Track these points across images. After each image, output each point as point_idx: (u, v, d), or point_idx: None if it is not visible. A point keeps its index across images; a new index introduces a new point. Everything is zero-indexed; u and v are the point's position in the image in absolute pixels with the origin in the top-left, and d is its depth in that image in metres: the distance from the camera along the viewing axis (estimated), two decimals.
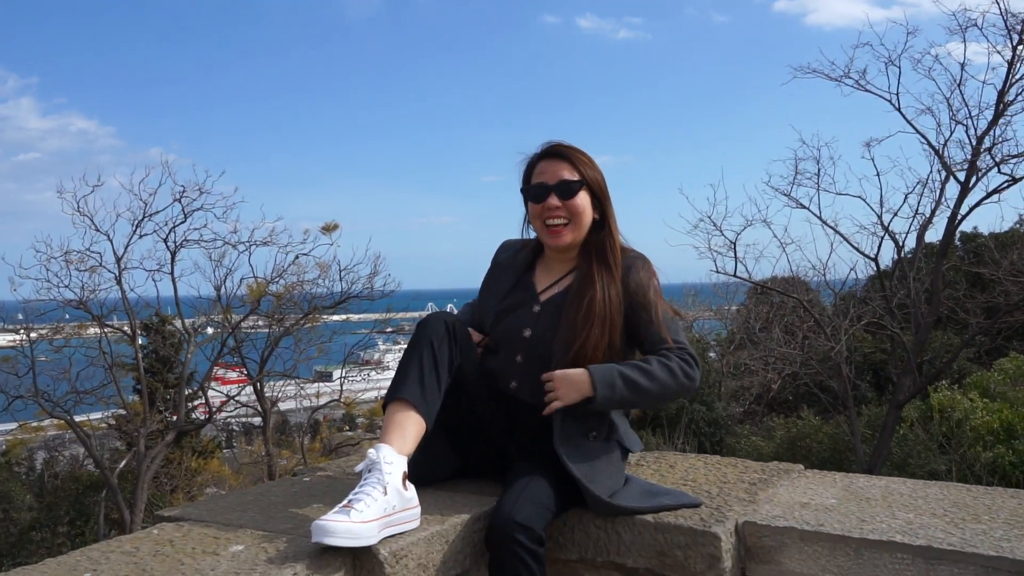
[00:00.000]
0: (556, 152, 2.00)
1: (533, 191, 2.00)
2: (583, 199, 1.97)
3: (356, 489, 1.59)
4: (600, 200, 2.00)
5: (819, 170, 10.93)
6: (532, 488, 1.76)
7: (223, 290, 12.64)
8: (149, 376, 15.42)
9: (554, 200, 1.96)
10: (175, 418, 13.66)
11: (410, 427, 1.70)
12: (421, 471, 1.85)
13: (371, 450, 1.67)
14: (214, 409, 13.63)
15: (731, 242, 11.33)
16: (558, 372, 1.82)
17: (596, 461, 1.86)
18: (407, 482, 1.66)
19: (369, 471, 1.62)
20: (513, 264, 2.09)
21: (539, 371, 1.88)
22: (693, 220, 11.38)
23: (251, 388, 13.60)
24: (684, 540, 1.70)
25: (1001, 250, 13.28)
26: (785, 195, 11.13)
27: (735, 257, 11.49)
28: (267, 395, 14.11)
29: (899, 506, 1.79)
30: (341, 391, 15.26)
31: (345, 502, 1.55)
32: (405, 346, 1.83)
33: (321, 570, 1.47)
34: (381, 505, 1.56)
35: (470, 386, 1.88)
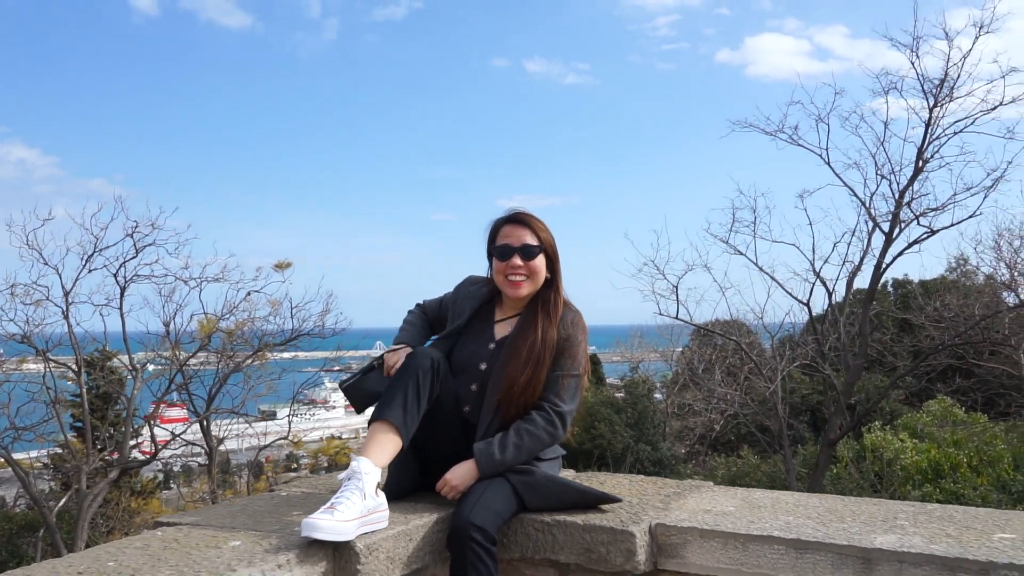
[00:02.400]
0: (519, 219, 2.40)
1: (499, 251, 2.38)
2: (540, 261, 2.37)
3: (338, 493, 1.92)
4: (552, 262, 2.40)
5: (755, 219, 11.60)
6: (487, 496, 2.11)
7: (172, 326, 12.61)
8: (90, 413, 15.18)
9: (517, 260, 2.34)
10: (115, 456, 13.45)
11: (388, 444, 2.06)
12: (392, 484, 2.24)
13: (353, 461, 2.01)
14: (159, 447, 13.48)
15: (673, 286, 11.89)
16: (449, 475, 2.21)
17: (537, 463, 2.27)
18: (379, 489, 2.00)
19: (350, 478, 1.96)
20: (478, 295, 2.47)
21: (487, 399, 2.27)
22: (638, 264, 11.95)
23: (197, 426, 13.53)
24: (606, 538, 2.06)
25: (927, 296, 14.10)
26: (723, 242, 11.77)
27: (677, 300, 12.05)
28: (213, 433, 14.00)
29: (783, 511, 2.18)
30: (289, 429, 15.20)
31: (329, 504, 1.89)
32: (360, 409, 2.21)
33: (309, 559, 1.80)
34: (359, 507, 1.90)
35: (442, 413, 2.23)
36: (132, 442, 15.17)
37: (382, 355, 2.36)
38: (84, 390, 12.98)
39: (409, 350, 2.28)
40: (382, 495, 2.01)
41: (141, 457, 14.16)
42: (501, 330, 2.40)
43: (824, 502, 2.28)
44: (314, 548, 1.83)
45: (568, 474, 2.60)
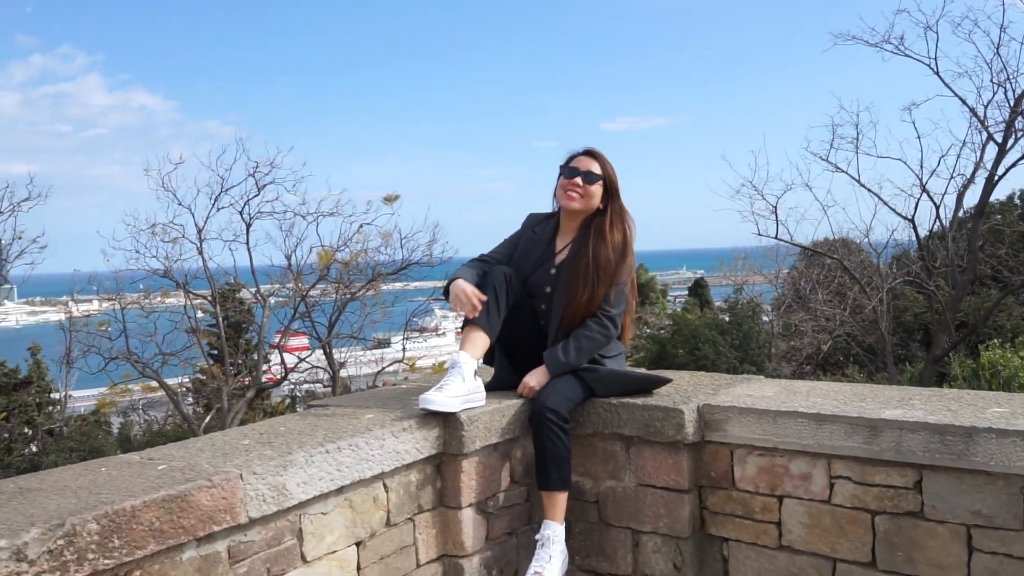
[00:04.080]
0: (592, 152, 2.85)
1: (568, 170, 2.84)
2: (597, 188, 2.81)
3: (445, 378, 2.47)
4: (609, 194, 2.83)
5: (858, 134, 11.38)
6: (559, 385, 2.62)
7: (293, 259, 13.48)
8: (225, 341, 16.52)
9: (579, 180, 2.79)
10: (248, 381, 14.66)
11: (479, 341, 2.61)
12: (495, 378, 2.80)
13: (454, 354, 2.55)
14: (288, 371, 14.59)
15: (772, 206, 11.89)
16: (527, 379, 2.67)
17: (602, 359, 2.76)
18: (476, 375, 2.53)
19: (453, 367, 2.51)
20: (543, 236, 2.91)
21: (554, 314, 2.75)
22: (735, 186, 11.95)
23: (320, 352, 14.57)
24: (661, 415, 2.54)
25: None
26: (824, 159, 11.62)
27: (776, 220, 12.04)
28: (335, 358, 14.96)
29: (815, 395, 2.58)
30: (404, 352, 16.03)
31: (439, 385, 2.44)
32: (461, 314, 2.69)
33: (426, 425, 2.38)
34: (461, 388, 2.45)
35: (521, 323, 2.74)
36: (263, 367, 16.54)
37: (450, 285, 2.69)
38: (220, 320, 14.26)
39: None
40: (479, 379, 2.55)
41: (271, 381, 15.43)
42: (561, 256, 2.83)
43: (855, 388, 2.67)
44: (429, 418, 2.40)
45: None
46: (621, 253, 2.75)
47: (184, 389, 17.02)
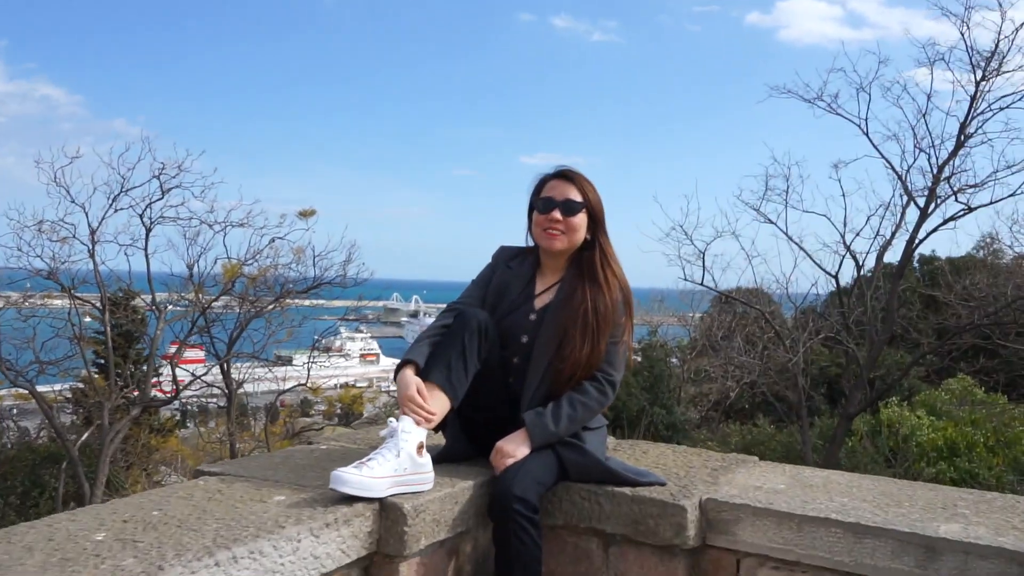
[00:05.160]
0: (566, 175, 2.30)
1: (542, 203, 2.29)
2: (581, 219, 2.27)
3: (375, 451, 1.88)
4: (595, 224, 2.30)
5: (788, 187, 11.35)
6: (529, 465, 2.06)
7: (196, 268, 12.62)
8: (113, 351, 15.32)
9: (557, 214, 2.25)
10: (136, 394, 13.62)
11: (436, 405, 2.00)
12: (444, 448, 2.21)
13: (392, 420, 1.96)
14: (180, 387, 13.61)
15: (700, 252, 11.72)
16: (503, 445, 2.10)
17: (584, 433, 2.19)
18: (423, 451, 1.95)
19: (390, 436, 1.91)
20: (520, 272, 2.35)
21: (531, 372, 2.19)
22: (665, 228, 11.77)
23: (217, 368, 13.65)
24: (656, 511, 2.01)
25: (955, 274, 13.86)
26: (754, 209, 11.55)
27: (703, 266, 11.89)
28: (232, 376, 14.10)
29: (837, 492, 2.11)
30: (308, 375, 15.31)
31: (363, 460, 1.85)
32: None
33: (356, 518, 1.76)
34: (392, 466, 1.86)
35: (489, 379, 2.16)
36: (152, 381, 15.36)
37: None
38: (108, 328, 13.11)
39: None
40: (427, 457, 1.96)
41: (161, 396, 14.34)
42: (542, 299, 2.30)
43: (877, 484, 2.21)
44: (361, 507, 1.79)
45: (611, 442, 2.54)
46: (623, 300, 2.24)
47: (63, 399, 15.68)
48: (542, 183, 2.34)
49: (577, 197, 2.28)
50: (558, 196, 2.27)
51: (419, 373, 2.04)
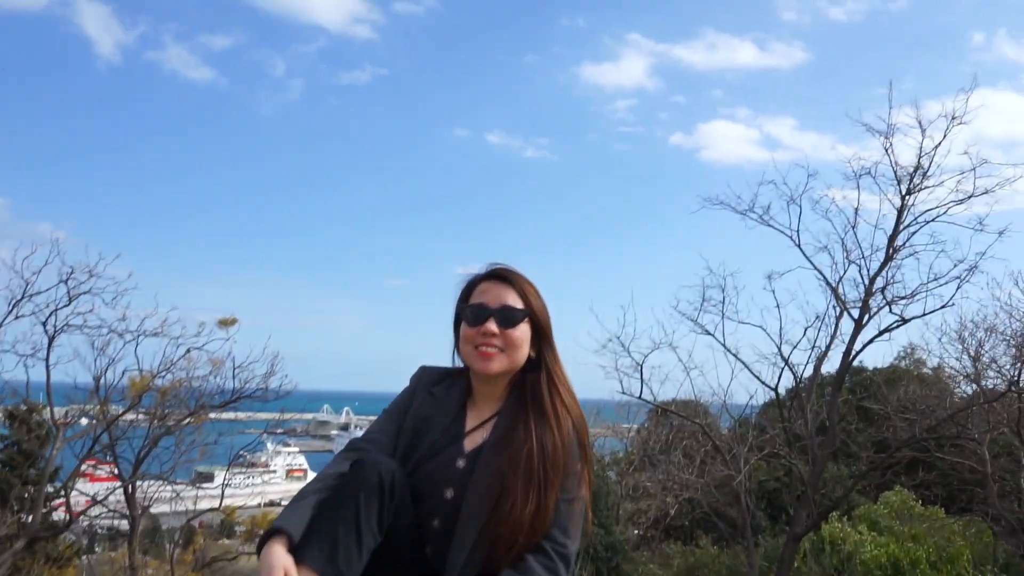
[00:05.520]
0: (502, 275, 1.81)
1: (471, 311, 1.77)
2: (523, 331, 1.77)
3: None
4: (540, 337, 1.80)
5: (724, 298, 11.26)
6: None
7: (103, 381, 11.76)
8: (7, 471, 14.07)
9: (492, 325, 1.74)
10: (30, 519, 12.38)
11: None
12: None
13: None
14: (76, 512, 12.44)
15: (638, 364, 11.41)
16: None
17: None
18: None
19: None
20: (445, 404, 1.81)
21: (457, 540, 1.62)
22: (602, 340, 11.46)
23: (121, 490, 12.54)
24: None
25: (888, 386, 13.87)
26: (692, 320, 11.38)
27: (641, 379, 11.55)
28: (138, 498, 13.01)
29: None
30: (222, 498, 14.25)
31: None
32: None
33: None
34: None
35: (394, 551, 1.59)
36: (48, 506, 14.02)
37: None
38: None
39: None
40: None
41: (62, 520, 13.11)
42: (473, 439, 1.76)
43: None
44: None
45: None
46: (578, 441, 1.71)
47: None
48: (471, 286, 1.83)
49: (517, 303, 1.78)
50: (492, 302, 1.77)
51: (292, 549, 1.46)
